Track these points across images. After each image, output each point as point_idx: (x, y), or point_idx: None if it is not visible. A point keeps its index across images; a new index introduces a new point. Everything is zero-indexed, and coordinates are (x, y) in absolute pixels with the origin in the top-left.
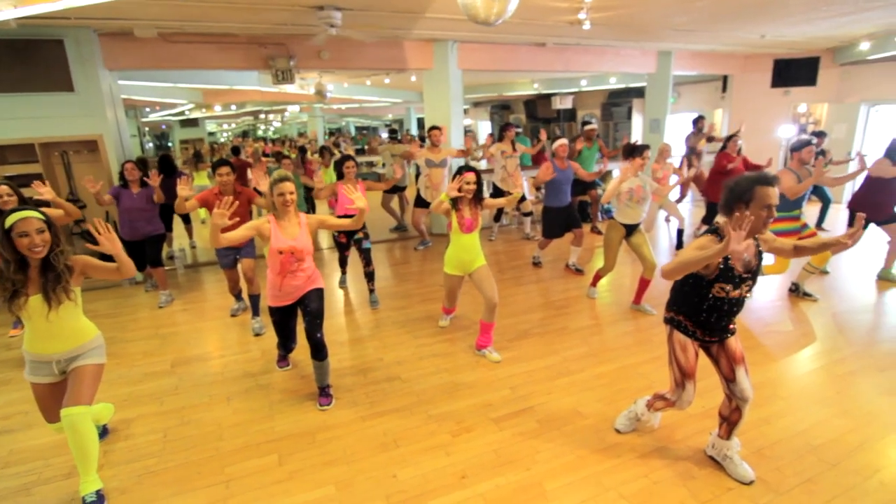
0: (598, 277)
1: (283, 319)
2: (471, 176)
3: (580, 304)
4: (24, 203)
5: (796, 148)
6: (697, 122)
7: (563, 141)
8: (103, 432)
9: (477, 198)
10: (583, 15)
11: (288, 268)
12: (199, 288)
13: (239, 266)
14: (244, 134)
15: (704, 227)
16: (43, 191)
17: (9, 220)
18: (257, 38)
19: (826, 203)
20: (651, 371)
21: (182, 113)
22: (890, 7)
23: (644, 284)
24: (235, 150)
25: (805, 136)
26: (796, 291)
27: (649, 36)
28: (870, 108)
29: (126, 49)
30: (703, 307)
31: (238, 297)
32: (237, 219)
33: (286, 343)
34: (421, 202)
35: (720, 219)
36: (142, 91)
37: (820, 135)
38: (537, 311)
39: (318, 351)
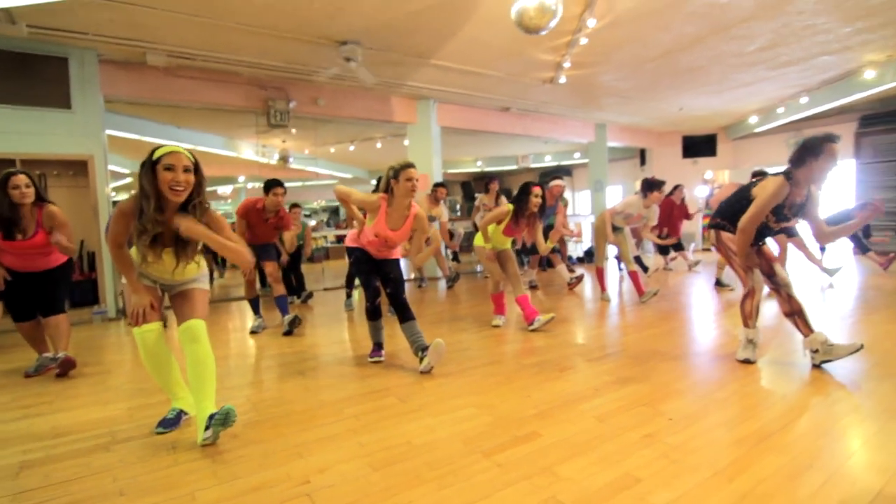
0: (600, 272)
1: (363, 257)
2: (538, 190)
3: (595, 303)
4: (42, 199)
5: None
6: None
7: (559, 182)
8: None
9: (536, 214)
10: (567, 64)
11: (376, 246)
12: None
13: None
14: None
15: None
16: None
17: (158, 152)
18: (258, 80)
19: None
20: (699, 327)
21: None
22: (780, 78)
23: (634, 276)
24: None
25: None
26: (719, 284)
27: (593, 105)
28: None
29: (127, 78)
30: None
31: (256, 311)
32: None
33: (370, 282)
34: None
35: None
36: None
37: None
38: (560, 311)
39: (405, 310)
